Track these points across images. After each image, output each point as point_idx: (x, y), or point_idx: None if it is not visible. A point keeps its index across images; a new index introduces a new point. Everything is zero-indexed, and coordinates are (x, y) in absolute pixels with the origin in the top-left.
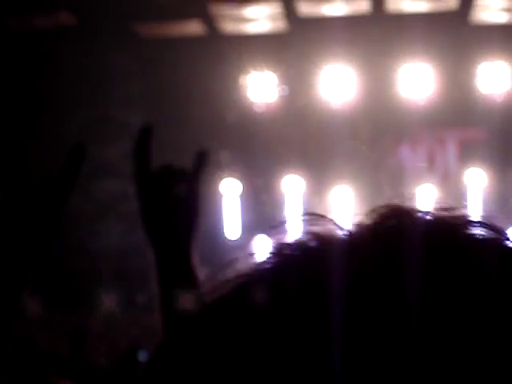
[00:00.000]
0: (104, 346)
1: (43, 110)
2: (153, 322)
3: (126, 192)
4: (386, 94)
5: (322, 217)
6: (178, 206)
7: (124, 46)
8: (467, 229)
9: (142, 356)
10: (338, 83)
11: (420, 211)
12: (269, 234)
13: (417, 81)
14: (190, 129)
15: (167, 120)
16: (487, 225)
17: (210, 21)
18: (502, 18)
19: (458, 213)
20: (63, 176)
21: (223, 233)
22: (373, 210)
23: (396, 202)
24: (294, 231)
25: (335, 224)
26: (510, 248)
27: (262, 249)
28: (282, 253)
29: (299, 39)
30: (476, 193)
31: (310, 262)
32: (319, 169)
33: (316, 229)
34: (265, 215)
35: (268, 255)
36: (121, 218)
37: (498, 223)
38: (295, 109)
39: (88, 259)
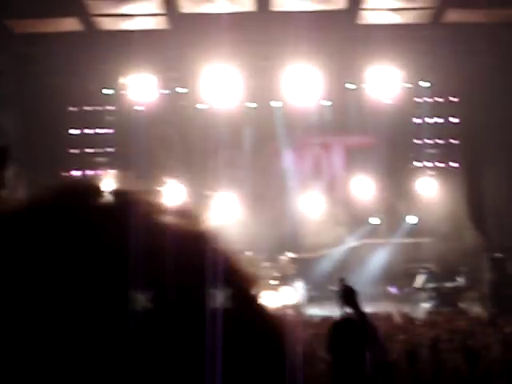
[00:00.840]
0: None
1: None
2: None
3: None
4: (270, 98)
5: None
6: None
7: None
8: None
9: None
10: (220, 84)
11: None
12: None
13: (303, 85)
14: (64, 131)
15: (40, 121)
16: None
17: (87, 17)
18: (390, 19)
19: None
20: None
21: None
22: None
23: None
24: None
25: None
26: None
27: None
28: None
29: (180, 36)
30: (362, 200)
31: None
32: (201, 176)
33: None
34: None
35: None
36: None
37: None
38: (175, 110)
39: None
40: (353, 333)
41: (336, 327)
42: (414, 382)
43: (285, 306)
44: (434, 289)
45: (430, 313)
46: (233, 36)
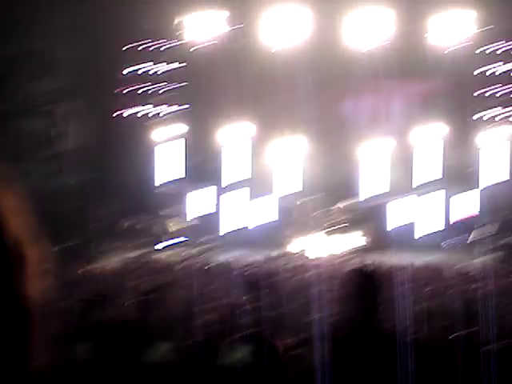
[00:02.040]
0: None
1: None
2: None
3: (49, 133)
4: (331, 41)
5: None
6: None
7: None
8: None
9: None
10: (281, 25)
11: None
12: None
13: (364, 28)
14: (118, 67)
15: (96, 57)
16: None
17: None
18: None
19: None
20: None
21: (154, 181)
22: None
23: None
24: None
25: None
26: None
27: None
28: None
29: None
30: (422, 148)
31: None
32: (258, 118)
33: None
34: (201, 164)
35: None
36: (40, 162)
37: None
38: (237, 50)
39: None
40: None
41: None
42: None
43: (339, 254)
44: (491, 241)
45: (488, 265)
46: None
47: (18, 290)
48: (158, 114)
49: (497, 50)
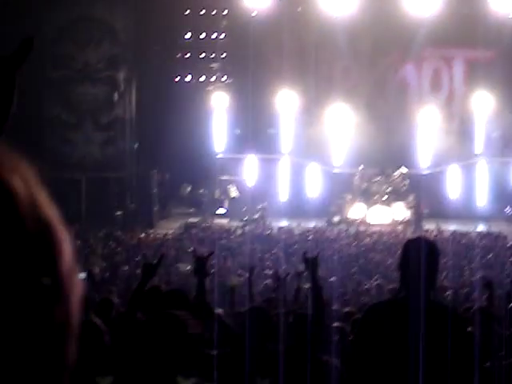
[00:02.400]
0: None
1: (23, 8)
2: (129, 238)
3: (108, 99)
4: (390, 9)
5: None
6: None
7: None
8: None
9: None
10: None
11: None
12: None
13: None
14: (179, 34)
15: (154, 24)
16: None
17: None
18: None
19: None
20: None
21: (212, 147)
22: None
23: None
24: None
25: None
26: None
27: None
28: None
29: None
30: (481, 116)
31: None
32: (316, 85)
33: None
34: (256, 130)
35: None
36: (101, 128)
37: None
38: (292, 17)
39: (63, 168)
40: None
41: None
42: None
43: (396, 222)
44: None
45: None
46: None
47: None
48: (217, 80)
49: None
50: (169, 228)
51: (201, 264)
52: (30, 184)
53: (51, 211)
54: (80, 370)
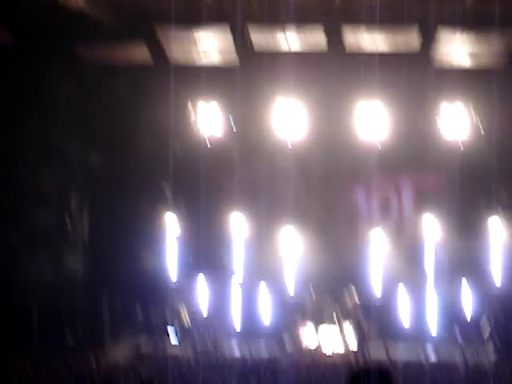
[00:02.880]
0: None
1: None
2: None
3: (61, 223)
4: (341, 135)
5: None
6: None
7: (65, 69)
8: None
9: None
10: (290, 120)
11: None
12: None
13: (373, 122)
14: (131, 157)
15: (107, 148)
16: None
17: (157, 48)
18: (463, 63)
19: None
20: None
21: (165, 272)
22: None
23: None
24: None
25: None
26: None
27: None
28: None
29: (250, 73)
30: (431, 241)
31: None
32: (267, 208)
33: None
34: (208, 253)
35: None
36: (53, 252)
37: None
38: (244, 144)
39: (16, 292)
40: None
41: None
42: None
43: (349, 349)
44: (502, 338)
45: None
46: (303, 74)
47: None
48: (170, 205)
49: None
50: (121, 353)
51: None
52: None
53: None
54: None
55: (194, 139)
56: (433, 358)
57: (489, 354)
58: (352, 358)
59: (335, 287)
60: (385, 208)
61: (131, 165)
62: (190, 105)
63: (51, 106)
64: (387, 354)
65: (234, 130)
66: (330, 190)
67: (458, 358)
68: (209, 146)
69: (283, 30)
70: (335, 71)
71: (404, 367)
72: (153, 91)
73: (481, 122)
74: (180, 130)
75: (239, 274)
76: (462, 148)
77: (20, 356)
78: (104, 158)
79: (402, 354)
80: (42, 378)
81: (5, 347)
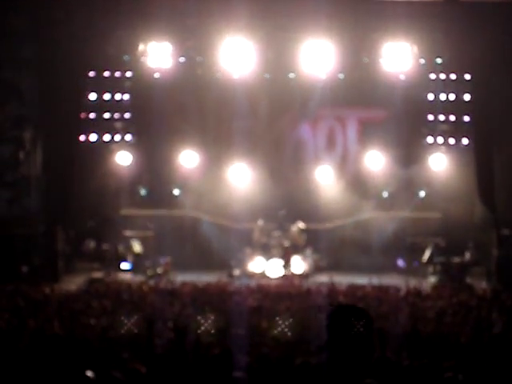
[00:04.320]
0: None
1: None
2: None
3: (14, 158)
4: (286, 70)
5: None
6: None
7: (20, 5)
8: None
9: None
10: (237, 55)
11: None
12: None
13: (318, 57)
14: (83, 94)
15: (60, 85)
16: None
17: None
18: None
19: None
20: None
21: (116, 205)
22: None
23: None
24: None
25: None
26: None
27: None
28: None
29: (199, 5)
30: (375, 174)
31: None
32: (216, 144)
33: None
34: (158, 189)
35: None
36: (7, 186)
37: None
38: (192, 78)
39: None
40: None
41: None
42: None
43: (294, 275)
44: (441, 263)
45: (435, 287)
46: (251, 7)
47: None
48: (120, 140)
49: (442, 80)
50: (74, 283)
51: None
52: None
53: None
54: None
55: (143, 74)
56: (375, 283)
57: (428, 280)
58: (298, 284)
59: (284, 218)
60: (330, 141)
61: (83, 99)
62: (138, 39)
63: (3, 42)
64: (331, 280)
65: (182, 63)
66: (276, 124)
67: (399, 283)
68: (158, 79)
69: None
70: (283, 6)
71: (347, 291)
72: (101, 25)
73: (423, 56)
74: (129, 64)
75: (190, 206)
76: (403, 82)
77: None
78: (56, 92)
79: (346, 281)
80: None
81: None
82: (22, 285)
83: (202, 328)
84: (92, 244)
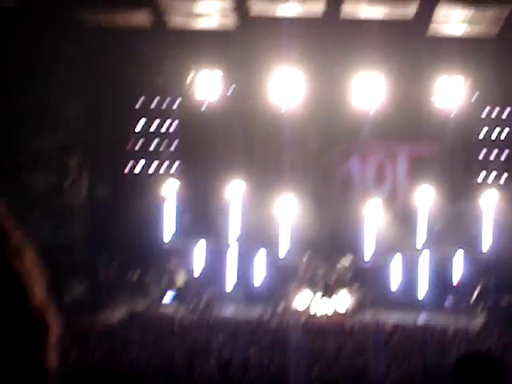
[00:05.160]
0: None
1: None
2: (76, 325)
3: (59, 185)
4: (337, 103)
5: None
6: None
7: (68, 32)
8: None
9: None
10: (287, 87)
11: None
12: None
13: (369, 91)
14: (130, 123)
15: (107, 112)
16: None
17: (158, 13)
18: (460, 31)
19: None
20: None
21: (160, 235)
22: None
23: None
24: None
25: None
26: None
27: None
28: None
29: (249, 38)
30: (424, 210)
31: None
32: (264, 175)
33: None
34: (205, 218)
35: None
36: (52, 213)
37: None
38: (242, 109)
39: None
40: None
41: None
42: None
43: (338, 312)
44: (489, 303)
45: (483, 327)
46: (301, 40)
47: (41, 358)
48: (166, 170)
49: (497, 115)
50: (115, 315)
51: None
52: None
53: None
54: None
55: (192, 104)
56: (422, 322)
57: (476, 319)
58: (343, 321)
59: (329, 253)
60: (379, 175)
61: (130, 128)
62: (187, 69)
63: (52, 68)
64: (378, 319)
65: (232, 94)
66: (325, 157)
67: (447, 323)
68: (206, 109)
69: None
70: (335, 39)
71: (394, 331)
72: (150, 54)
73: (473, 91)
74: (177, 93)
75: (235, 239)
76: (455, 117)
77: None
78: (103, 120)
79: (393, 319)
80: None
81: None
82: (62, 315)
83: (245, 363)
84: (135, 275)
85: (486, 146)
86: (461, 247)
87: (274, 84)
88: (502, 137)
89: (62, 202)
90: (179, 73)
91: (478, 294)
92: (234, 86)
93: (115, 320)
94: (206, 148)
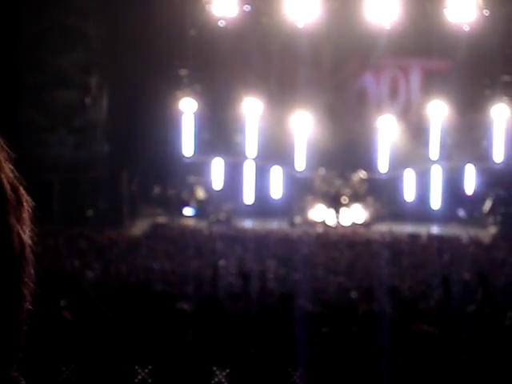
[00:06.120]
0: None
1: None
2: (100, 238)
3: (81, 103)
4: (351, 18)
5: None
6: None
7: None
8: None
9: None
10: (303, 3)
11: None
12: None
13: (384, 6)
14: (148, 42)
15: (125, 32)
16: None
17: None
18: None
19: None
20: None
21: (180, 150)
22: None
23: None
24: None
25: None
26: None
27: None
28: None
29: None
30: (437, 125)
31: None
32: (279, 92)
33: None
34: (223, 135)
35: None
36: (74, 131)
37: None
38: (258, 27)
39: (37, 170)
40: None
41: None
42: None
43: (354, 223)
44: (501, 214)
45: (495, 237)
46: None
47: (16, 233)
48: (186, 86)
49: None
50: (138, 228)
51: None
52: None
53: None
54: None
55: (208, 21)
56: (437, 232)
57: (489, 228)
58: (359, 233)
59: (344, 167)
60: (393, 90)
61: (148, 47)
62: None
63: None
64: (392, 231)
65: (248, 11)
66: (340, 72)
67: (460, 232)
68: (222, 27)
69: None
70: None
71: (410, 240)
72: None
73: (487, 7)
74: (194, 12)
75: (252, 154)
76: (468, 32)
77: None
78: (122, 41)
79: (407, 229)
80: (61, 245)
81: None
82: (86, 229)
83: (265, 273)
84: (156, 189)
85: (497, 61)
86: (473, 159)
87: (289, 0)
88: None
89: (84, 120)
90: None
91: (490, 206)
92: (249, 3)
93: (139, 232)
94: (222, 66)
